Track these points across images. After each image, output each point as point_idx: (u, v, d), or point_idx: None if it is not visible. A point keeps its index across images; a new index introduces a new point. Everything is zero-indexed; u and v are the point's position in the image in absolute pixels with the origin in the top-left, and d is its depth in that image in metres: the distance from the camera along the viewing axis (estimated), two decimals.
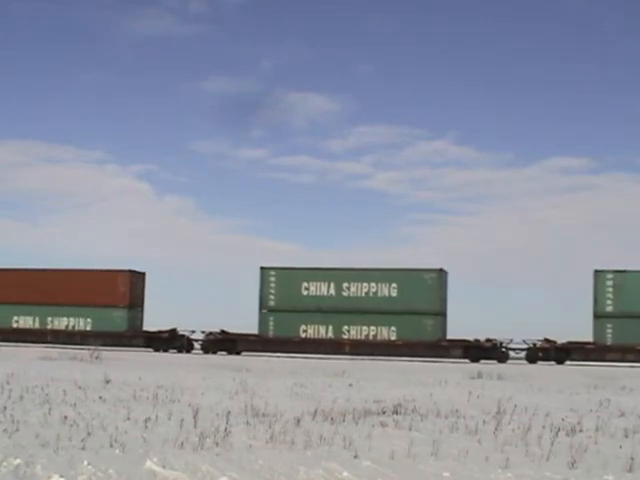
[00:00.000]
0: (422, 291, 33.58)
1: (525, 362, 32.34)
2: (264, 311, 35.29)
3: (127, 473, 6.35)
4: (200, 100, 73.80)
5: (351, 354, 33.31)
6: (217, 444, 7.62)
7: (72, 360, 22.78)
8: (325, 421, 9.69)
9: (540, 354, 32.84)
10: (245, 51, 72.34)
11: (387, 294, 34.05)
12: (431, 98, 71.99)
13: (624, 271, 32.26)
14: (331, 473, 6.63)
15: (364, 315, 34.02)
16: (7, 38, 72.20)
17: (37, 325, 38.19)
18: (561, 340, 33.19)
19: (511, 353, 33.60)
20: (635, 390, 16.99)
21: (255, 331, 35.73)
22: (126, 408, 10.39)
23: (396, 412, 10.86)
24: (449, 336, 34.19)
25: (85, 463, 6.56)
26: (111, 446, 7.39)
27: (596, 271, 32.36)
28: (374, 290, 34.24)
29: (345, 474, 6.60)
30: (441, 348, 33.17)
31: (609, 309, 32.04)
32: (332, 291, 34.68)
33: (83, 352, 24.95)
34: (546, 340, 33.09)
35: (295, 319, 34.71)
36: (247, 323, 36.70)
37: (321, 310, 34.51)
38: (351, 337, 34.29)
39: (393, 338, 33.83)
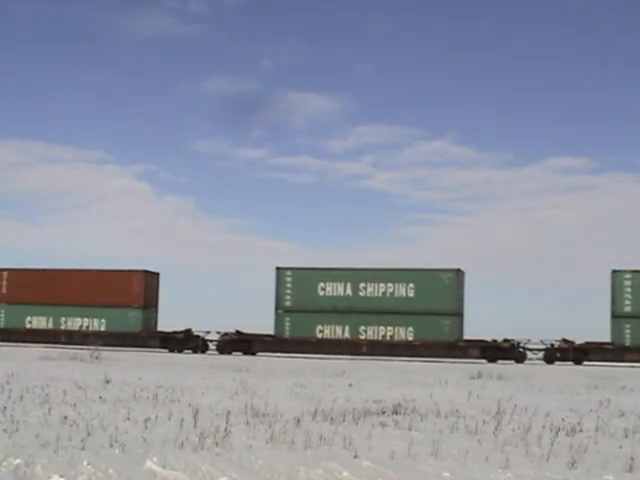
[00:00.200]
0: (439, 291, 33.45)
1: (543, 362, 32.20)
2: (280, 311, 35.14)
3: (127, 473, 6.35)
4: (200, 100, 73.90)
5: (368, 354, 33.16)
6: (217, 444, 7.62)
7: (72, 360, 22.78)
8: (325, 421, 9.69)
9: (558, 354, 32.67)
10: (245, 51, 72.45)
11: (404, 294, 33.91)
12: (431, 98, 72.12)
13: None
14: (331, 473, 6.63)
15: (381, 315, 33.87)
16: (7, 38, 72.30)
17: (50, 325, 37.97)
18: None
19: (528, 353, 33.46)
20: (635, 390, 16.99)
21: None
22: (126, 408, 10.39)
23: (396, 412, 10.86)
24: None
25: (85, 463, 6.56)
26: (111, 446, 7.39)
27: (614, 271, 32.08)
28: (391, 290, 34.10)
29: (345, 474, 6.60)
30: (458, 348, 33.02)
31: (627, 309, 31.77)
32: (349, 291, 34.54)
33: (83, 352, 24.94)
34: (564, 340, 32.87)
35: (311, 319, 34.56)
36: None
37: (337, 310, 34.36)
38: (368, 337, 34.14)
39: (410, 338, 33.69)
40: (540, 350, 33.33)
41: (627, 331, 31.69)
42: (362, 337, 34.23)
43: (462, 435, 8.88)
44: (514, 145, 72.80)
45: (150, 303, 37.75)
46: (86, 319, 37.62)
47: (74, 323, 37.79)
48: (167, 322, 38.42)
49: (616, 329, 31.86)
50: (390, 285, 34.13)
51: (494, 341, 33.41)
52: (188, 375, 18.00)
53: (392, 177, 72.56)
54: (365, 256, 63.58)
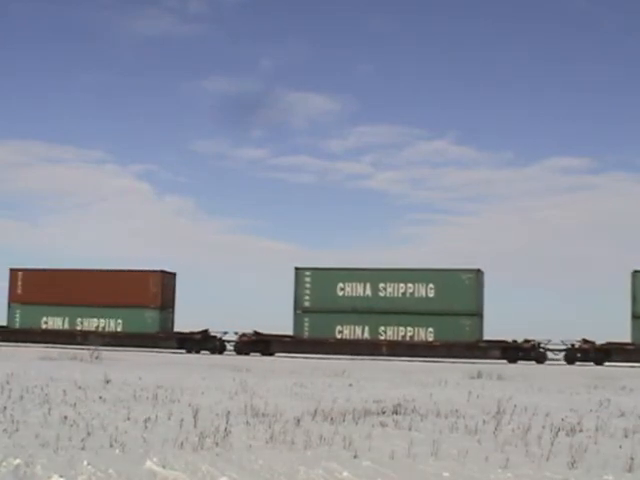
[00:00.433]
0: (460, 291, 33.34)
1: (564, 363, 32.05)
2: (299, 312, 34.97)
3: (127, 473, 6.35)
4: (200, 100, 73.87)
5: (388, 355, 33.01)
6: (217, 444, 7.62)
7: (72, 360, 22.77)
8: (325, 421, 9.69)
9: (579, 355, 32.50)
10: (245, 51, 72.42)
11: (424, 294, 33.81)
12: (431, 98, 72.08)
13: None
14: (331, 473, 6.63)
15: (401, 316, 33.74)
16: (7, 38, 72.27)
17: (66, 326, 37.72)
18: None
19: (549, 354, 33.30)
20: (635, 390, 16.99)
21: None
22: (126, 408, 10.39)
23: (396, 412, 10.86)
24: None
25: (85, 463, 6.56)
26: (111, 446, 7.39)
27: (635, 271, 31.82)
28: (411, 290, 33.98)
29: (345, 474, 6.61)
30: (479, 349, 32.89)
31: None
32: (368, 291, 34.40)
33: (83, 352, 24.94)
34: (584, 341, 32.69)
35: (331, 320, 34.40)
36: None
37: (357, 311, 34.21)
38: (388, 338, 34.00)
39: (430, 339, 33.58)
40: (561, 350, 33.14)
41: None
42: (382, 338, 34.06)
43: (462, 435, 8.88)
44: (514, 145, 72.80)
45: (167, 303, 37.43)
46: (102, 320, 37.35)
47: (90, 324, 37.49)
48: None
49: (637, 329, 31.52)
50: (410, 285, 34.00)
51: (514, 341, 33.23)
52: (188, 375, 18.00)
53: (392, 177, 72.55)
54: (365, 256, 63.62)
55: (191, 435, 8.02)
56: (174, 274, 38.26)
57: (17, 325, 38.43)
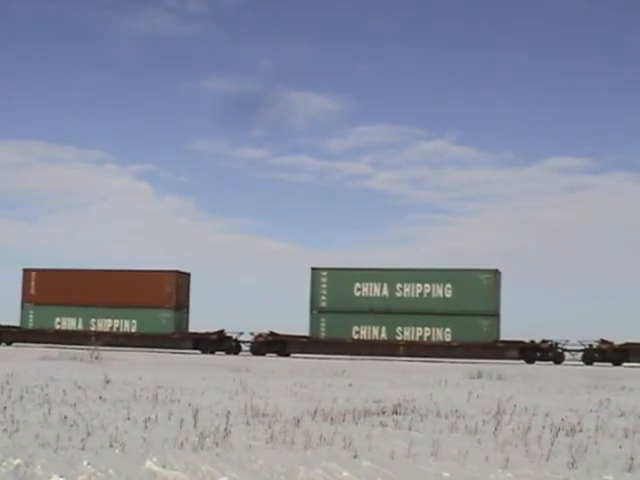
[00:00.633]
0: (477, 292, 33.26)
1: (582, 363, 31.96)
2: (315, 312, 34.88)
3: (127, 473, 6.35)
4: (200, 100, 73.80)
5: (405, 356, 32.92)
6: (217, 444, 7.61)
7: (72, 360, 22.77)
8: (325, 421, 9.69)
9: (596, 355, 32.41)
10: (245, 51, 72.32)
11: (442, 295, 33.75)
12: (431, 98, 71.98)
13: None
14: (331, 473, 6.63)
15: (418, 316, 33.68)
16: (7, 38, 72.24)
17: (80, 327, 37.54)
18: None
19: (566, 354, 33.25)
20: (635, 390, 16.99)
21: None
22: (126, 408, 10.38)
23: (396, 412, 10.86)
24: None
25: (85, 463, 6.56)
26: (111, 446, 7.39)
27: None
28: (428, 291, 33.92)
29: (345, 474, 6.61)
30: (497, 349, 32.82)
31: None
32: (385, 292, 34.34)
33: (83, 352, 24.94)
34: (602, 341, 32.61)
35: (347, 320, 34.31)
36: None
37: (374, 311, 34.11)
38: (405, 339, 33.94)
39: (448, 339, 33.52)
40: (578, 351, 33.06)
41: None
42: (399, 338, 33.99)
43: (462, 435, 8.88)
44: (514, 145, 72.67)
45: (182, 304, 37.28)
46: (117, 320, 37.17)
47: (104, 324, 37.34)
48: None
49: None
50: (427, 286, 33.93)
51: (532, 342, 33.15)
52: (188, 375, 18.00)
53: (392, 177, 72.44)
54: (365, 256, 63.54)
55: (191, 435, 8.02)
56: (188, 274, 38.04)
57: (30, 326, 38.23)
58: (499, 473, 6.77)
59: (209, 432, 8.13)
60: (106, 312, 37.13)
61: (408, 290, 34.17)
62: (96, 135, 76.82)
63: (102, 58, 71.63)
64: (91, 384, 14.14)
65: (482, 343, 32.86)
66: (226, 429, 8.28)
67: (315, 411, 10.37)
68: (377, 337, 34.24)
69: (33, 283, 38.49)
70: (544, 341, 33.02)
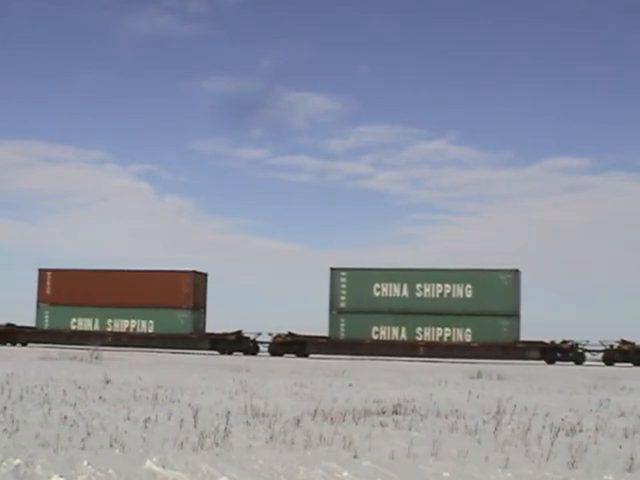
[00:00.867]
0: (498, 292, 33.12)
1: (602, 364, 31.88)
2: (334, 312, 34.72)
3: (127, 473, 6.35)
4: (200, 100, 73.83)
5: (425, 356, 32.79)
6: (217, 444, 7.61)
7: (72, 360, 22.77)
8: (325, 421, 9.69)
9: (617, 355, 32.32)
10: (245, 51, 72.33)
11: (462, 295, 33.60)
12: (431, 98, 72.00)
13: None
14: (331, 473, 6.63)
15: (438, 316, 33.53)
16: (7, 38, 72.26)
17: (97, 327, 37.28)
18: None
19: (587, 355, 33.13)
20: (635, 390, 16.99)
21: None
22: (126, 408, 10.38)
23: (396, 412, 10.86)
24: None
25: (85, 463, 6.56)
26: (111, 446, 7.39)
27: None
28: (448, 291, 33.76)
29: (345, 474, 6.60)
30: (517, 350, 32.72)
31: None
32: (405, 292, 34.20)
33: (83, 352, 24.94)
34: (623, 341, 32.51)
35: (367, 320, 34.16)
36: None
37: (394, 311, 33.96)
38: (425, 339, 33.81)
39: (468, 340, 33.39)
40: (599, 351, 32.97)
41: None
42: (419, 339, 33.86)
43: (462, 435, 8.88)
44: (514, 145, 72.69)
45: (199, 304, 37.09)
46: (133, 321, 36.94)
47: (121, 325, 37.12)
48: None
49: None
50: (447, 286, 33.77)
51: (552, 342, 33.03)
52: (188, 375, 18.00)
53: (392, 177, 72.48)
54: (365, 256, 63.51)
55: (191, 435, 8.02)
56: (205, 274, 37.82)
57: (46, 326, 37.98)
58: (499, 473, 6.77)
59: (209, 432, 8.13)
60: (123, 312, 36.88)
61: (428, 290, 34.01)
62: (96, 135, 76.89)
63: (102, 58, 71.71)
64: (91, 384, 14.14)
65: (502, 343, 32.69)
66: (226, 429, 8.28)
67: (315, 411, 10.37)
68: (397, 338, 34.08)
69: (49, 283, 38.20)
70: (564, 341, 32.86)
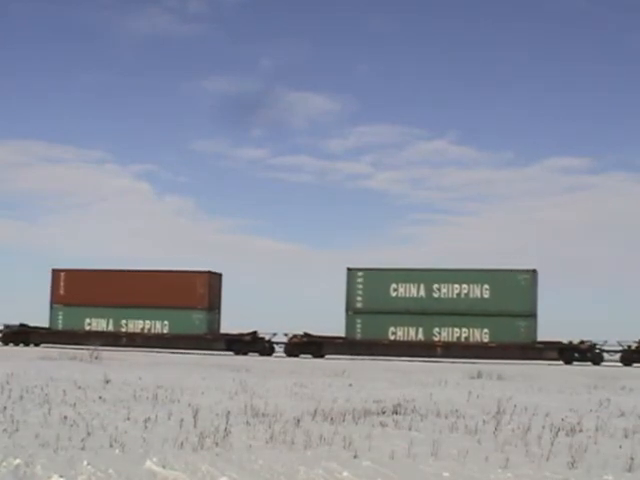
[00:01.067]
0: (515, 292, 32.94)
1: (620, 364, 31.69)
2: (351, 313, 34.53)
3: (127, 473, 6.35)
4: (200, 100, 73.93)
5: (443, 357, 32.66)
6: (217, 444, 7.61)
7: (72, 360, 22.77)
8: (325, 421, 9.69)
9: (635, 356, 32.12)
10: (245, 51, 72.44)
11: (479, 295, 33.41)
12: (431, 98, 72.14)
13: None
14: (331, 473, 6.63)
15: (455, 317, 33.36)
16: (7, 38, 72.30)
17: (111, 328, 37.06)
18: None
19: (605, 355, 32.94)
20: (635, 390, 16.99)
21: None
22: (126, 408, 10.38)
23: (396, 412, 10.85)
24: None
25: (85, 463, 6.56)
26: (111, 446, 7.39)
27: None
28: (465, 291, 33.58)
29: (345, 474, 6.60)
30: (535, 350, 32.57)
31: None
32: (422, 292, 34.00)
33: (83, 352, 24.94)
34: None
35: (384, 321, 33.96)
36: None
37: (411, 312, 33.77)
38: (442, 339, 33.64)
39: (486, 340, 33.22)
40: (617, 352, 32.82)
41: None
42: (436, 339, 33.68)
43: (462, 435, 8.88)
44: (514, 145, 72.87)
45: (214, 304, 36.89)
46: (148, 321, 36.70)
47: (136, 325, 36.88)
48: None
49: None
50: (465, 286, 33.59)
51: (570, 342, 32.90)
52: (188, 375, 18.00)
53: (392, 177, 72.65)
54: (365, 256, 63.69)
55: (191, 435, 8.02)
56: (220, 275, 37.62)
57: (60, 327, 37.74)
58: (499, 473, 6.77)
59: (209, 432, 8.13)
60: (137, 313, 36.66)
61: (445, 291, 33.80)
62: (96, 135, 77.01)
63: (102, 58, 71.80)
64: (91, 384, 14.14)
65: (520, 344, 32.51)
66: (226, 429, 8.28)
67: (315, 411, 10.37)
68: (414, 338, 33.87)
69: (62, 283, 37.92)
70: (582, 342, 32.74)
